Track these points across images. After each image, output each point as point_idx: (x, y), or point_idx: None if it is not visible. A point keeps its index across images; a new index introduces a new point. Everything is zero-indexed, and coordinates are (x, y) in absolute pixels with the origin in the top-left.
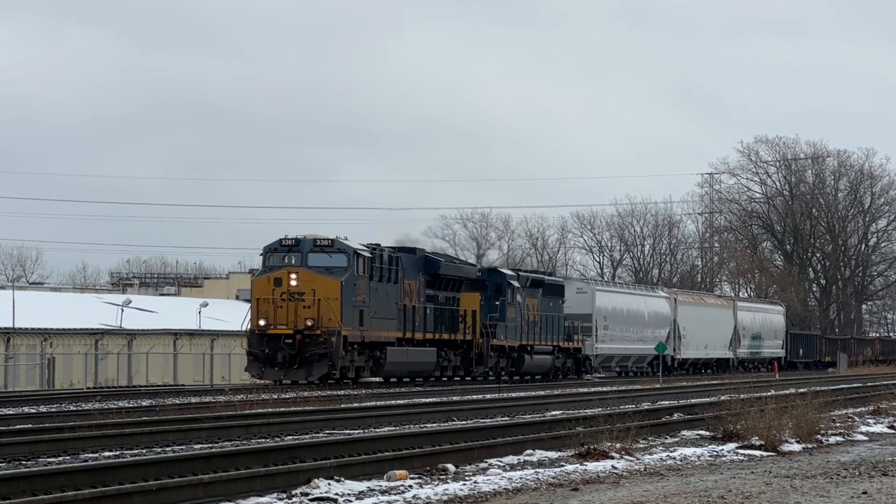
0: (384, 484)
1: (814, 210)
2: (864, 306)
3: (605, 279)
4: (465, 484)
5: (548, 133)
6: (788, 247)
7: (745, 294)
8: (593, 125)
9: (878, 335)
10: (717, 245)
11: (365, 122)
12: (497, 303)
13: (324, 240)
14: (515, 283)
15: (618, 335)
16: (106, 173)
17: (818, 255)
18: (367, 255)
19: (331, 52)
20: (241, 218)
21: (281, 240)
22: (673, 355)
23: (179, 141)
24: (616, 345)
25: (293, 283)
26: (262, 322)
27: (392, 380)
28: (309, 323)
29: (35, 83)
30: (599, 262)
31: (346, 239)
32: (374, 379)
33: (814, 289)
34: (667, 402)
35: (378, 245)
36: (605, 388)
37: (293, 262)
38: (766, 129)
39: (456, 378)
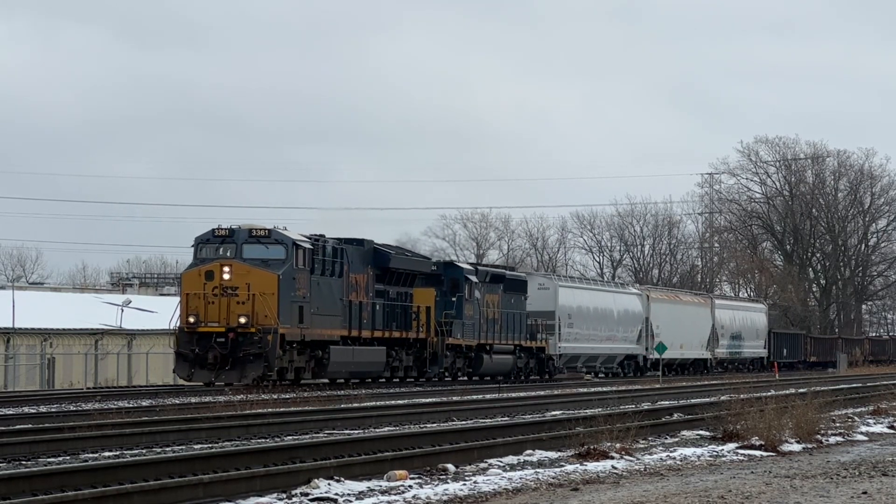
0: (384, 484)
1: (814, 210)
2: (864, 306)
3: (576, 276)
4: (465, 484)
5: (545, 133)
6: (788, 247)
7: (746, 294)
8: (590, 125)
9: (866, 335)
10: (717, 245)
11: (361, 123)
12: (454, 299)
13: (260, 230)
14: (473, 278)
15: (584, 334)
16: (104, 173)
17: (818, 255)
18: (308, 246)
19: (326, 53)
20: (239, 218)
21: (213, 230)
22: (645, 355)
23: (177, 141)
24: (582, 344)
25: (226, 276)
26: (191, 319)
27: (339, 381)
28: (242, 320)
29: (32, 83)
30: (599, 263)
31: (286, 229)
32: (316, 381)
33: (814, 289)
34: (667, 403)
35: (322, 236)
36: (605, 388)
37: (227, 254)
38: (766, 130)
39: (409, 379)
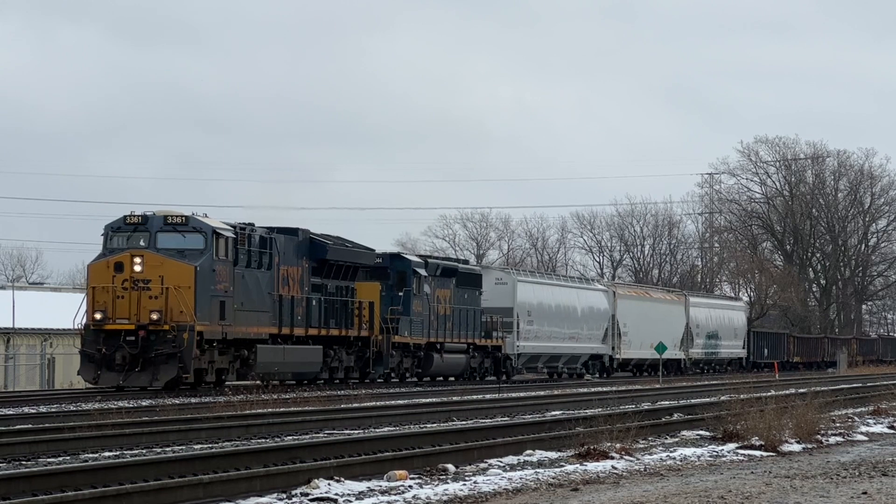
0: (384, 484)
1: (814, 210)
2: (864, 306)
3: (537, 270)
4: (465, 484)
5: (544, 133)
6: (788, 247)
7: (746, 295)
8: (589, 125)
9: (853, 335)
10: (717, 245)
11: (360, 123)
12: (401, 294)
13: (176, 216)
14: (422, 272)
15: (545, 332)
16: (102, 173)
17: (818, 255)
18: (230, 235)
19: (323, 52)
20: (237, 218)
21: (125, 216)
22: (611, 355)
23: (174, 141)
24: (543, 343)
25: (137, 268)
26: (97, 316)
27: (274, 382)
28: (155, 317)
29: (29, 83)
30: (599, 263)
31: (206, 216)
32: (241, 383)
33: (814, 289)
34: (667, 403)
35: (250, 225)
36: (604, 388)
37: (139, 243)
38: (766, 130)
39: (352, 380)
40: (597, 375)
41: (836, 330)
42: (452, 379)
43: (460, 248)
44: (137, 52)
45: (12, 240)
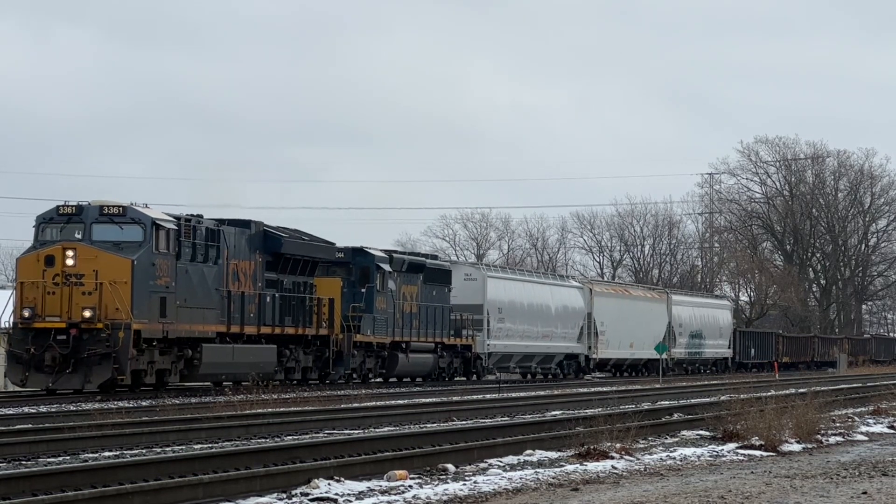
0: (384, 484)
1: (814, 210)
2: (864, 306)
3: (508, 268)
4: (465, 484)
5: (543, 133)
6: (788, 247)
7: (746, 296)
8: (588, 125)
9: (845, 334)
10: (717, 245)
11: (356, 122)
12: (363, 290)
13: (113, 207)
14: (387, 267)
15: (517, 330)
16: (99, 173)
17: (818, 255)
18: (172, 227)
19: (319, 52)
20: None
21: (58, 206)
22: (587, 354)
23: (171, 141)
24: (515, 342)
25: (69, 262)
26: (26, 313)
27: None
28: (87, 314)
29: (26, 83)
30: (599, 263)
31: (147, 207)
32: (187, 384)
33: (814, 289)
34: (667, 403)
35: (197, 216)
36: (604, 388)
37: (74, 235)
38: (766, 130)
39: (312, 381)
40: (571, 376)
41: (836, 330)
42: (420, 379)
43: (460, 248)
44: (136, 51)
45: (11, 240)
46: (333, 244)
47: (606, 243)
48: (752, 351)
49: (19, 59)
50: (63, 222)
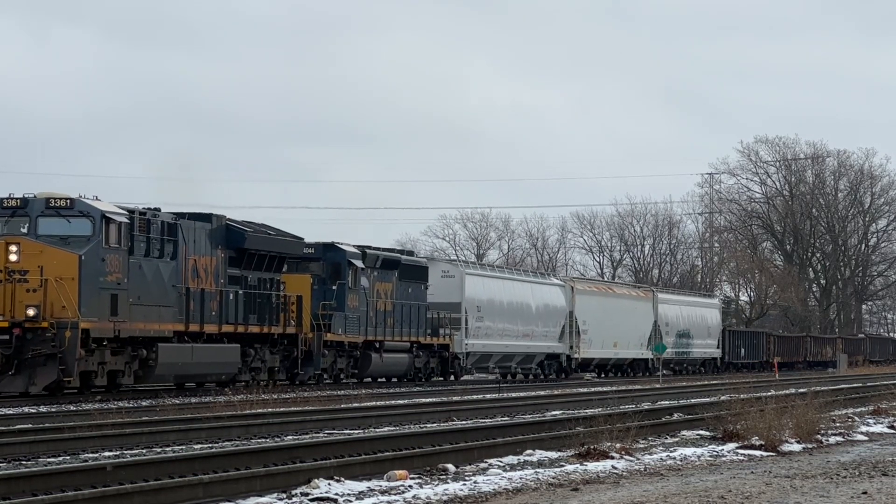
0: (384, 484)
1: (814, 210)
2: (864, 306)
3: (488, 265)
4: (465, 484)
5: (543, 133)
6: (788, 247)
7: (746, 296)
8: (588, 125)
9: (839, 334)
10: (717, 245)
11: (356, 123)
12: (334, 287)
13: (60, 199)
14: (359, 263)
15: (496, 329)
16: (97, 173)
17: (818, 255)
18: (123, 220)
19: (319, 52)
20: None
21: (2, 199)
22: (569, 354)
23: (169, 141)
24: (494, 341)
25: (13, 257)
26: None
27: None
28: (31, 312)
29: (22, 83)
30: (599, 263)
31: (96, 198)
32: (142, 386)
33: (814, 289)
34: (667, 402)
35: (153, 209)
36: (604, 388)
37: (19, 229)
38: (766, 130)
39: (282, 381)
40: (553, 377)
41: (836, 330)
42: (395, 380)
43: (460, 247)
44: (134, 52)
45: None
46: (302, 239)
47: (606, 243)
48: (742, 351)
49: (18, 59)
50: (7, 216)
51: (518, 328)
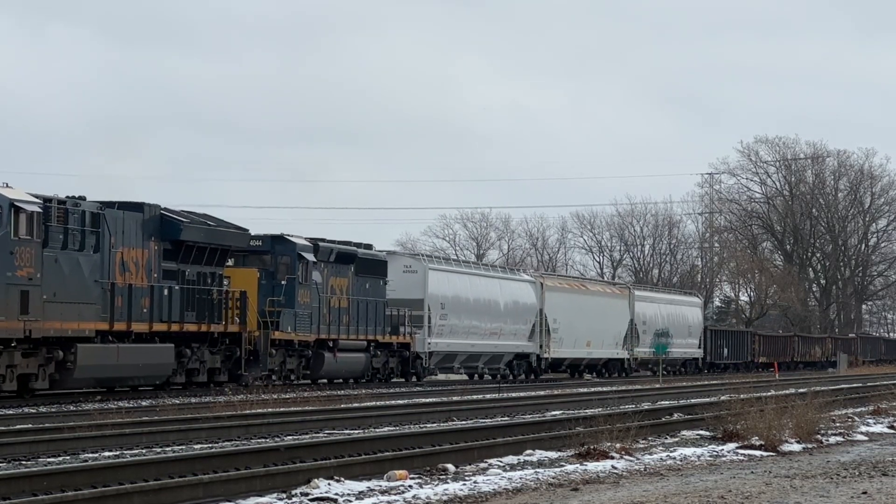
0: (384, 484)
1: (814, 210)
2: (864, 306)
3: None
4: (465, 484)
5: (542, 133)
6: (788, 247)
7: (746, 296)
8: (587, 125)
9: (828, 333)
10: (717, 245)
11: (356, 123)
12: (283, 282)
13: None
14: (310, 257)
15: (461, 327)
16: (96, 173)
17: (818, 255)
18: (35, 209)
19: (318, 52)
20: (232, 218)
21: None
22: (539, 354)
23: (167, 141)
24: (459, 340)
25: None
26: None
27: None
28: None
29: (20, 83)
30: (599, 263)
31: (7, 185)
32: (60, 391)
33: (814, 289)
34: (667, 402)
35: (73, 198)
36: (604, 388)
37: None
38: (766, 130)
39: (225, 384)
40: (522, 377)
41: (836, 330)
42: (352, 381)
43: (460, 247)
44: (131, 51)
45: None
46: (247, 231)
47: (606, 243)
48: (725, 351)
49: (15, 59)
50: None
51: (485, 326)
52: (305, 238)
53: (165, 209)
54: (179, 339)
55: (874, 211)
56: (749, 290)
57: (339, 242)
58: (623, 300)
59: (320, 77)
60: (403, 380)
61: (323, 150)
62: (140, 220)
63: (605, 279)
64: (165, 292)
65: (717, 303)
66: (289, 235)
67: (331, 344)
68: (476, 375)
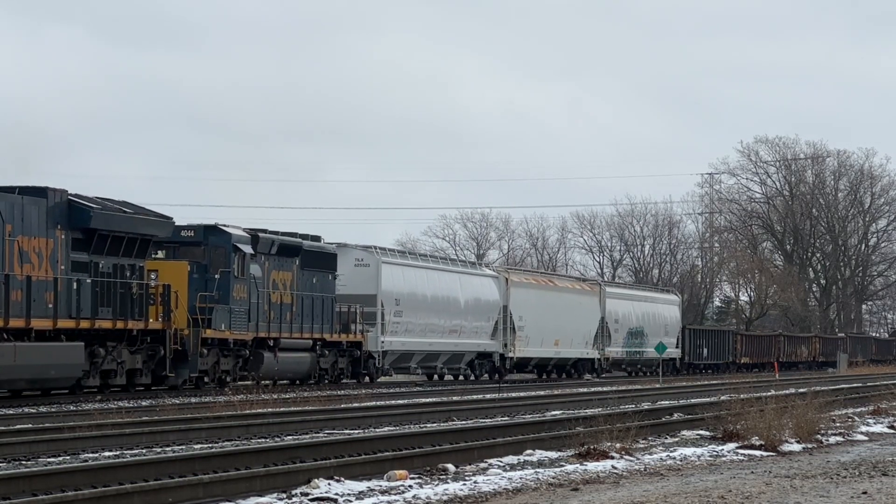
0: (384, 484)
1: (814, 210)
2: (864, 306)
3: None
4: (465, 484)
5: (542, 133)
6: (788, 247)
7: (746, 296)
8: (587, 125)
9: (815, 333)
10: (717, 245)
11: (356, 122)
12: (217, 276)
13: None
14: (248, 249)
15: (418, 325)
16: (95, 173)
17: (818, 255)
18: None
19: (318, 53)
20: (231, 218)
21: None
22: (502, 353)
23: (166, 141)
24: (416, 338)
25: None
26: None
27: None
28: None
29: (18, 82)
30: (599, 263)
31: None
32: None
33: (814, 289)
34: (667, 402)
35: None
36: (604, 388)
37: None
38: (766, 130)
39: (139, 388)
40: (485, 377)
41: (836, 330)
42: (298, 382)
43: (460, 247)
44: (127, 51)
45: None
46: (170, 219)
47: (606, 243)
48: (705, 351)
49: (10, 57)
50: None
51: (444, 324)
52: (243, 229)
53: (75, 195)
54: (92, 338)
55: (874, 211)
56: (749, 290)
57: (283, 234)
58: (593, 297)
59: (320, 77)
60: (355, 381)
61: (322, 150)
62: (44, 207)
63: (577, 276)
64: (74, 286)
65: (717, 303)
66: (223, 225)
67: (271, 343)
68: (435, 376)
